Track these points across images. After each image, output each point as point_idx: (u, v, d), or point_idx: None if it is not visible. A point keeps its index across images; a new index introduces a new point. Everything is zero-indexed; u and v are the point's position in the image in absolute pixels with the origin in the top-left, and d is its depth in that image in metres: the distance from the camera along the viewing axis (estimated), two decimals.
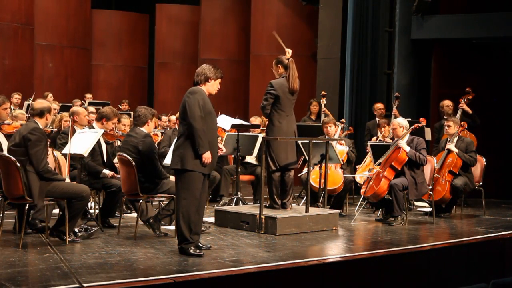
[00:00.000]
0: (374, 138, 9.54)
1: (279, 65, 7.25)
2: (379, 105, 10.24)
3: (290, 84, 7.15)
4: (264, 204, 7.15)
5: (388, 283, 5.87)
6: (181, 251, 5.63)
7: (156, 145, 7.36)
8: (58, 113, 9.63)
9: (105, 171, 7.12)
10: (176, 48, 16.54)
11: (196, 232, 5.69)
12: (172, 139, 8.56)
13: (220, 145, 6.10)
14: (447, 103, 9.70)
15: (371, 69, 11.28)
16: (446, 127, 8.66)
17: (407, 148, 7.68)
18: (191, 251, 5.59)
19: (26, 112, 9.92)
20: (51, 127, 8.55)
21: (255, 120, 9.76)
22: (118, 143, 7.88)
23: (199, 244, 5.78)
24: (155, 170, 6.59)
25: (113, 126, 7.51)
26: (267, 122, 7.38)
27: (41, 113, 6.02)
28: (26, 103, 10.86)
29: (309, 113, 10.77)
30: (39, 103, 6.11)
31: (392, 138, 8.48)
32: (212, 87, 5.83)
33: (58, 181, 5.96)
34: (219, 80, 5.88)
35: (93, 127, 7.23)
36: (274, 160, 7.20)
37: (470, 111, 9.57)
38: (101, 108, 8.24)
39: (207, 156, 5.58)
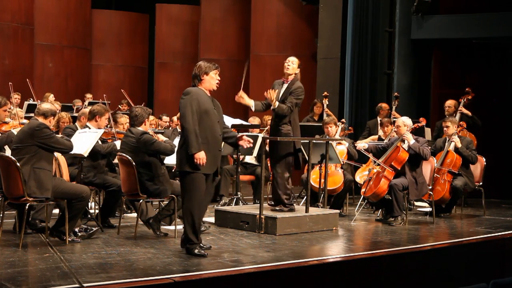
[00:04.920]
0: (376, 137, 9.53)
1: (299, 69, 7.17)
2: (385, 105, 10.20)
3: None
4: (270, 203, 7.17)
5: (388, 283, 5.86)
6: (186, 251, 5.63)
7: None
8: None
9: None
10: (176, 48, 16.53)
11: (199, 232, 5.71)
12: (171, 139, 8.56)
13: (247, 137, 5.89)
14: (448, 103, 9.63)
15: (371, 69, 11.29)
16: (445, 128, 8.65)
17: (412, 140, 7.67)
18: (196, 251, 5.59)
19: (26, 112, 9.93)
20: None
21: (254, 120, 9.75)
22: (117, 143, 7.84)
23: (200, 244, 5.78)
24: (163, 151, 6.62)
25: (106, 121, 7.47)
26: (283, 126, 7.02)
27: (45, 114, 6.01)
28: (26, 103, 10.85)
29: (312, 114, 10.72)
30: (46, 105, 6.12)
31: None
32: (209, 82, 5.69)
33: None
34: (214, 72, 5.68)
35: (88, 127, 7.16)
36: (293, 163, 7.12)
37: (469, 113, 9.56)
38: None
39: (199, 157, 5.46)
